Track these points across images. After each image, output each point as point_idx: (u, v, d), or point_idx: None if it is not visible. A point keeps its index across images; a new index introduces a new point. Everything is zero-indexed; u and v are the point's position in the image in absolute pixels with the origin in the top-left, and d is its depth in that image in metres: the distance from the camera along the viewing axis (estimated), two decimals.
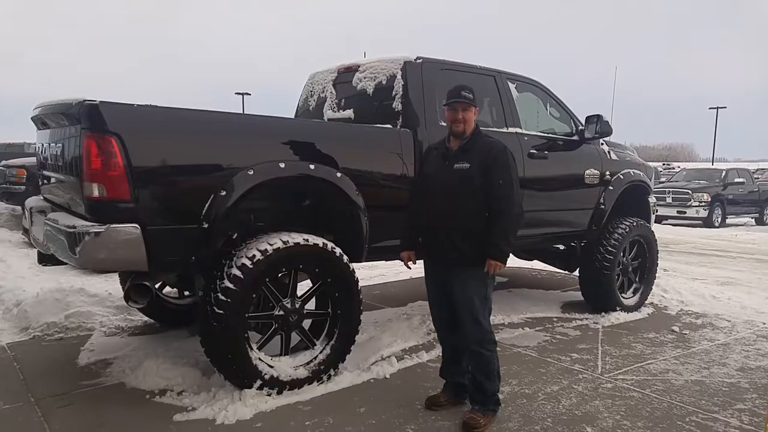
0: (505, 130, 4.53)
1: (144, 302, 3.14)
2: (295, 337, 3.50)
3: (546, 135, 4.87)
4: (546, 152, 4.69)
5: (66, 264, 3.57)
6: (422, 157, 3.27)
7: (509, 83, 4.69)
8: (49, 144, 3.47)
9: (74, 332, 4.51)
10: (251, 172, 3.20)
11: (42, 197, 4.07)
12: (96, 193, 2.87)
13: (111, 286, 5.34)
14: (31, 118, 3.79)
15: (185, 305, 4.75)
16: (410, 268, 3.35)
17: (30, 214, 3.73)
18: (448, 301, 3.05)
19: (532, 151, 4.59)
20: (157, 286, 4.35)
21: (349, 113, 4.52)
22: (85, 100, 2.89)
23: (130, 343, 4.28)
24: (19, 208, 11.17)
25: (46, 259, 3.59)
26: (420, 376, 3.61)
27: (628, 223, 5.30)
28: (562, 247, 5.68)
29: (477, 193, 2.87)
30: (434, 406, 3.15)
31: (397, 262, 3.98)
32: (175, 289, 4.80)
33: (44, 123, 3.51)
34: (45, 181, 3.93)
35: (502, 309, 5.08)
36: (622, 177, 5.34)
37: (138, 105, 2.99)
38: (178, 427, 2.95)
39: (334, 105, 4.72)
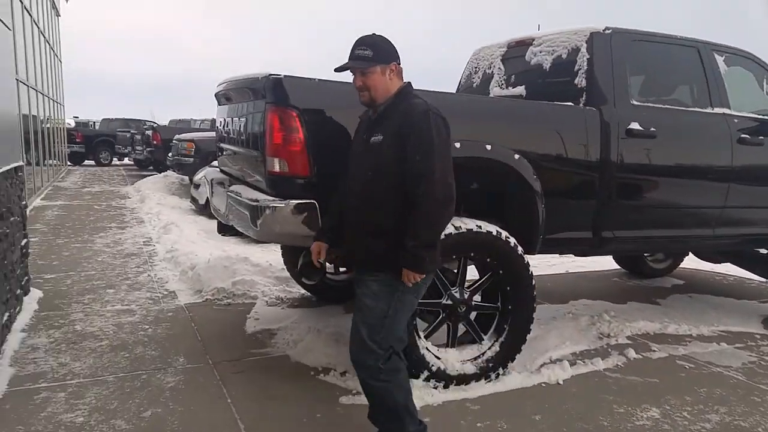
0: (709, 110, 3.87)
1: (317, 279, 3.12)
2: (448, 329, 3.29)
3: (762, 117, 4.09)
4: (761, 138, 3.94)
5: (243, 235, 3.71)
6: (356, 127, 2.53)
7: (716, 56, 3.99)
8: (232, 118, 3.58)
9: (240, 299, 4.75)
10: None
11: (219, 169, 4.28)
12: (277, 168, 2.87)
13: (270, 256, 5.58)
14: (215, 94, 3.96)
15: (341, 282, 4.77)
16: (318, 265, 2.68)
17: (210, 186, 3.92)
18: None
19: (743, 135, 3.88)
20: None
21: (519, 90, 4.17)
22: (270, 74, 2.88)
23: (290, 315, 4.39)
24: (187, 178, 12.33)
25: (225, 230, 3.75)
26: (598, 387, 3.22)
27: None
28: (765, 251, 4.83)
29: (389, 175, 2.15)
30: None
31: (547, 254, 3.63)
32: (331, 265, 4.85)
33: (228, 98, 3.62)
34: (223, 154, 4.10)
35: (685, 317, 4.44)
36: None
37: (319, 80, 2.92)
38: (345, 409, 2.89)
39: (503, 82, 4.38)
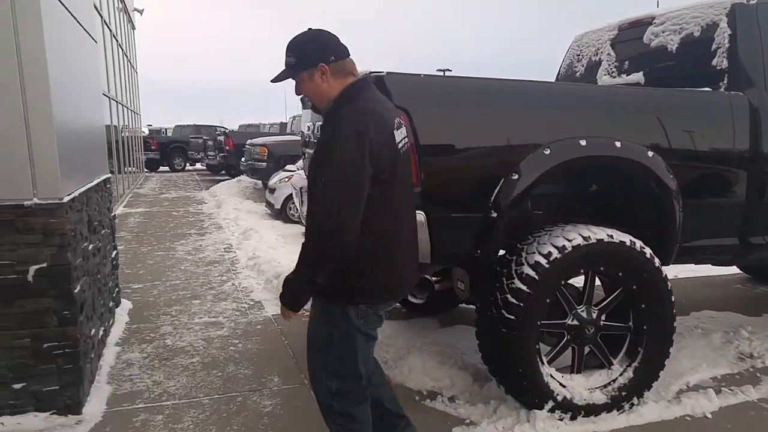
0: None
1: (423, 297, 2.82)
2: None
3: None
4: None
5: None
6: None
7: None
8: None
9: None
10: (547, 152, 2.65)
11: (306, 176, 4.07)
12: None
13: None
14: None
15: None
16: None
17: (300, 194, 3.70)
18: None
19: None
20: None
21: (636, 77, 3.70)
22: (370, 72, 2.60)
23: (382, 328, 4.11)
24: (260, 182, 12.44)
25: None
26: (758, 423, 2.74)
27: None
28: None
29: None
30: None
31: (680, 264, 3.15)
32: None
33: None
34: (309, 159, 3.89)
35: None
36: None
37: (425, 75, 2.62)
38: None
39: (613, 69, 3.92)
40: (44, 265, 2.59)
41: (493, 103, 2.68)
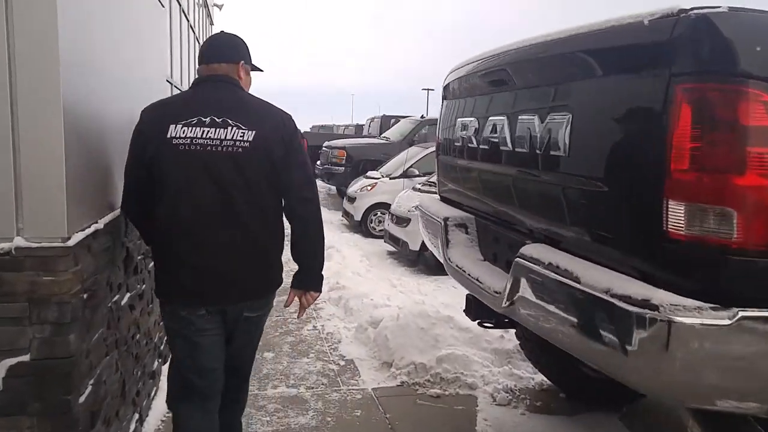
0: None
1: None
2: None
3: None
4: None
5: (507, 328, 2.15)
6: None
7: None
8: (507, 116, 1.96)
9: (452, 387, 3.20)
10: None
11: (440, 198, 2.75)
12: (698, 228, 1.22)
13: None
14: (448, 84, 2.46)
15: (601, 376, 3.04)
16: None
17: (444, 230, 2.35)
18: None
19: None
20: None
21: None
22: (680, 10, 1.25)
23: (539, 429, 2.75)
24: (334, 188, 11.37)
25: (482, 316, 2.18)
26: None
27: None
28: None
29: None
30: None
31: None
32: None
33: (499, 82, 2.04)
34: (457, 176, 2.56)
35: None
36: None
37: None
38: None
39: None
40: (25, 358, 1.40)
41: None
